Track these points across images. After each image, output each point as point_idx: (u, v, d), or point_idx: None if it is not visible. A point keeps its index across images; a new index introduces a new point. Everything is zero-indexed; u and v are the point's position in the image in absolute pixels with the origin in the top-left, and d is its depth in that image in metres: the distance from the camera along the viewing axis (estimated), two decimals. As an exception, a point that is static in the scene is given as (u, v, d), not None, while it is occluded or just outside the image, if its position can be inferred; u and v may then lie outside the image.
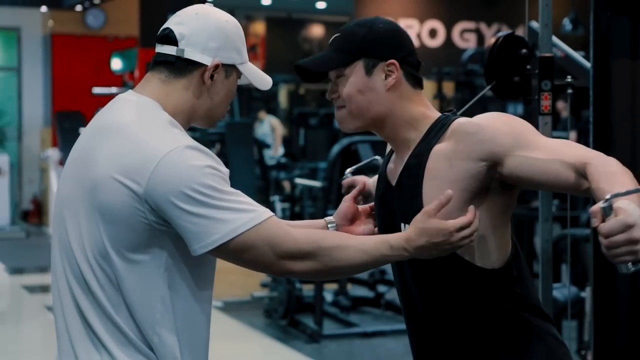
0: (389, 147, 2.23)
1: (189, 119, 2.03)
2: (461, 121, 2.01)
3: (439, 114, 2.09)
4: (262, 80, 2.11)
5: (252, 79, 2.09)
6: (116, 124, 1.96)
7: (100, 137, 1.97)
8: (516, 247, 2.08)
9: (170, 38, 2.01)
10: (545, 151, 1.91)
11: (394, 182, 2.10)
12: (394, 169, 2.12)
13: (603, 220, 1.59)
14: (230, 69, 2.04)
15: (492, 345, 2.05)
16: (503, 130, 1.95)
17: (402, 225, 2.06)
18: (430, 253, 1.93)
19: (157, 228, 1.90)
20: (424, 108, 2.09)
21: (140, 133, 1.91)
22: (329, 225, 2.20)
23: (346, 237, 1.97)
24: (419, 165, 2.03)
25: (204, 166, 1.88)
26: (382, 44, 2.06)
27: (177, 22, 2.03)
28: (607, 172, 1.77)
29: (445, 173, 1.99)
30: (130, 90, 2.05)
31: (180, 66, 2.01)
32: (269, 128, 13.20)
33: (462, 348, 2.07)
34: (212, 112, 2.05)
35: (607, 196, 1.62)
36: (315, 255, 1.91)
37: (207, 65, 2.00)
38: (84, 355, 1.94)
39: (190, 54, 2.00)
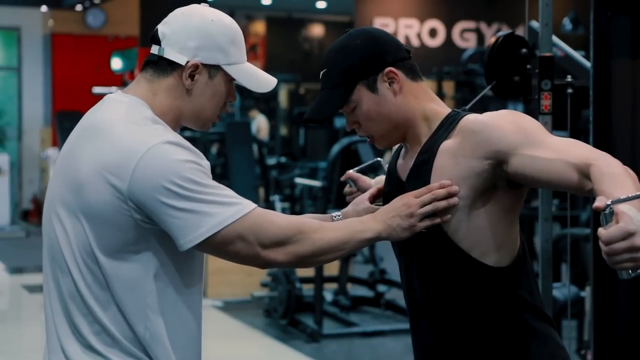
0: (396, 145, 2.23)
1: (177, 120, 2.02)
2: (469, 119, 2.02)
3: (449, 110, 2.10)
4: (258, 82, 2.07)
5: (243, 82, 2.04)
6: (100, 123, 1.96)
7: (84, 137, 1.97)
8: (524, 247, 2.09)
9: (155, 38, 2.01)
10: (550, 150, 1.91)
11: (404, 177, 2.11)
12: (405, 164, 2.13)
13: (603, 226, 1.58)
14: (215, 70, 2.01)
15: (492, 346, 2.05)
16: (509, 129, 1.96)
17: None
18: (396, 223, 1.98)
19: (143, 226, 1.90)
20: (433, 103, 2.10)
21: (121, 131, 1.91)
22: (334, 219, 2.20)
23: (324, 222, 2.02)
24: (428, 161, 2.04)
25: (185, 161, 1.87)
26: (370, 60, 2.05)
27: (164, 21, 2.03)
28: (610, 173, 1.77)
29: (451, 170, 2.00)
30: (118, 91, 2.05)
31: (162, 66, 2.00)
32: (257, 128, 13.16)
33: (463, 349, 2.07)
34: (199, 114, 2.03)
35: (608, 202, 1.60)
36: (297, 238, 1.93)
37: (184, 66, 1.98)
38: (75, 356, 1.94)
39: (169, 54, 1.98)
